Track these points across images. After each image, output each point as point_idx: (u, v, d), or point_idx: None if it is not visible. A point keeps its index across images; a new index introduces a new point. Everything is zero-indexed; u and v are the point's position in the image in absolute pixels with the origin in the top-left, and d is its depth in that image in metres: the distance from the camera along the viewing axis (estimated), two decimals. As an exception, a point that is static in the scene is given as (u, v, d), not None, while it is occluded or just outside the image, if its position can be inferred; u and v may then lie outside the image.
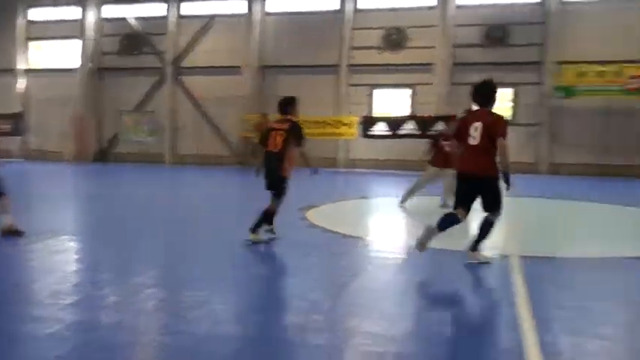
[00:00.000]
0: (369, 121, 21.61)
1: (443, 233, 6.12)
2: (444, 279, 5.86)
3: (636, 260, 6.78)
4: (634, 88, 19.50)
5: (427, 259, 6.70)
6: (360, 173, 21.08)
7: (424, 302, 5.00)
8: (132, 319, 4.36)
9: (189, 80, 25.39)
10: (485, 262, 6.25)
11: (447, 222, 6.14)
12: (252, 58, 24.10)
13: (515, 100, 21.34)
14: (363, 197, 12.75)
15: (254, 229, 7.25)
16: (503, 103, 20.36)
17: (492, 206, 6.17)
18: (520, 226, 9.27)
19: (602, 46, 20.06)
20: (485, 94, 6.25)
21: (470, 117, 6.29)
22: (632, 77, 19.49)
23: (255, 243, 7.19)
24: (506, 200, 10.93)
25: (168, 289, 5.31)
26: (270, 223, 7.47)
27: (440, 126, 20.40)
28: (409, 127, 20.96)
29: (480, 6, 21.88)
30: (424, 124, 20.64)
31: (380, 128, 21.39)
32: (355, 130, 21.60)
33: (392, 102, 22.83)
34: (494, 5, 21.72)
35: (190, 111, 25.36)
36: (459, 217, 6.16)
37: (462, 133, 6.25)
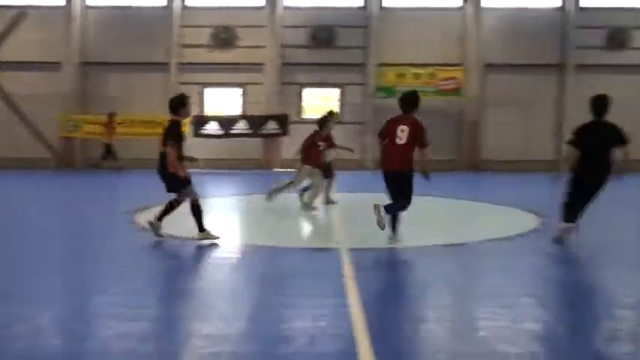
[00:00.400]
0: (200, 121, 21.34)
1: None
2: (278, 275, 5.98)
3: (456, 247, 7.43)
4: (447, 89, 21.36)
5: (262, 257, 6.80)
6: (193, 173, 20.75)
7: (259, 300, 5.07)
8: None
9: (0, 76, 23.21)
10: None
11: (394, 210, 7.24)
12: (72, 53, 22.60)
13: (342, 99, 22.24)
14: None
15: (200, 229, 7.48)
16: (330, 102, 21.13)
17: (406, 195, 7.14)
18: (349, 220, 9.73)
19: (418, 50, 21.65)
20: (410, 101, 7.26)
21: (396, 120, 7.24)
22: (445, 79, 21.32)
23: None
24: (338, 196, 11.39)
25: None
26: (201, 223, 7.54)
27: (271, 125, 20.88)
28: (241, 127, 21.13)
29: (307, 8, 22.52)
30: (255, 123, 20.92)
31: (212, 128, 21.27)
32: (187, 129, 21.21)
33: (223, 101, 22.74)
34: (319, 8, 22.46)
35: (2, 110, 23.18)
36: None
37: (388, 133, 7.20)
